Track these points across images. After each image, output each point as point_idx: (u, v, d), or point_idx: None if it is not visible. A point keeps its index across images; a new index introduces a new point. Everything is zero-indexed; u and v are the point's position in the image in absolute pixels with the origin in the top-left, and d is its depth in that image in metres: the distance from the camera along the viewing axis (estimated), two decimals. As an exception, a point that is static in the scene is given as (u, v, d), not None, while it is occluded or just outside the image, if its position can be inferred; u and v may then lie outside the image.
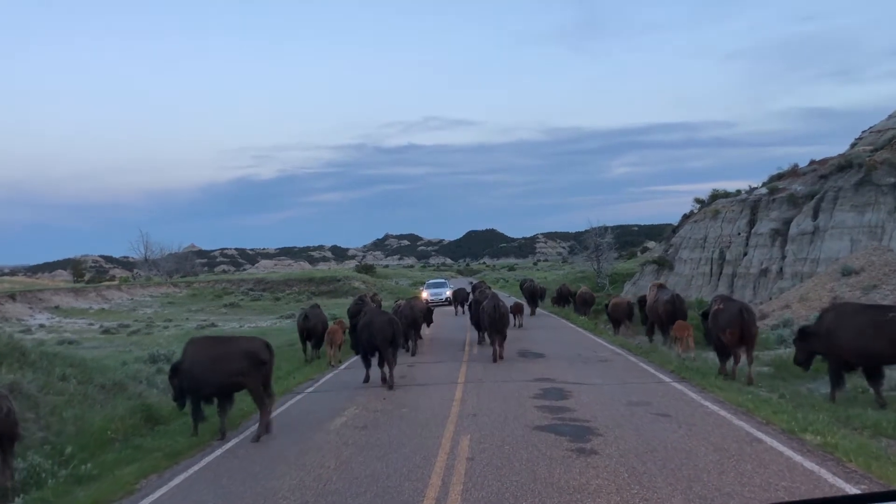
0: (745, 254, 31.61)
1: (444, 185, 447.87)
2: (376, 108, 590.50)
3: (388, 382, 13.85)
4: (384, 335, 13.92)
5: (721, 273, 32.38)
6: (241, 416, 12.09)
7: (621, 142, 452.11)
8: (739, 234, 32.75)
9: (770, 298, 25.82)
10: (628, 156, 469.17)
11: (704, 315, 15.02)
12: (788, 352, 15.65)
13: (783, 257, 28.96)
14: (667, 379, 13.41)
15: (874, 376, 10.82)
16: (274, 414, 12.07)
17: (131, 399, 13.51)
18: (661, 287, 20.17)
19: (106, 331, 38.67)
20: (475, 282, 34.99)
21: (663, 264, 37.69)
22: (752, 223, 32.45)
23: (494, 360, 16.88)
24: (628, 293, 39.11)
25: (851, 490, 6.60)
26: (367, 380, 14.53)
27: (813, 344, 11.60)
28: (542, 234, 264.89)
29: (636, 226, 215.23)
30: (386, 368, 14.03)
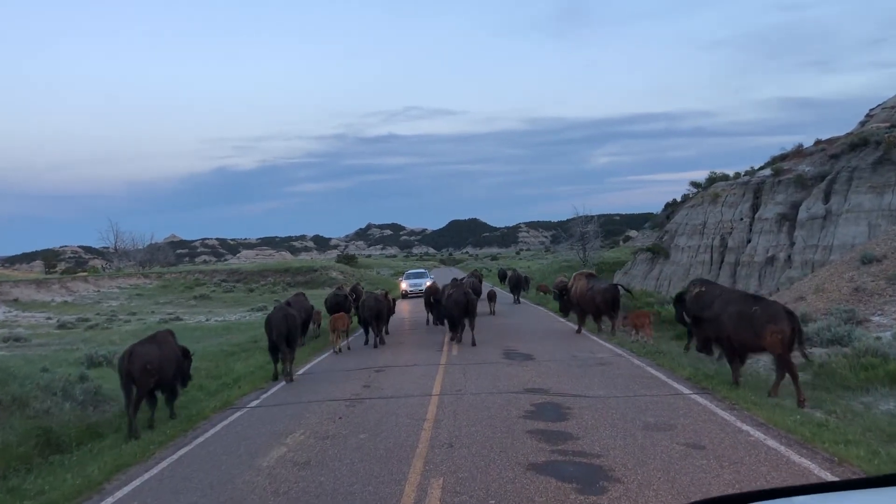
0: (749, 240, 29.16)
1: (427, 174, 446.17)
2: (357, 97, 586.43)
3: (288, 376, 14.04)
4: (279, 330, 14.04)
5: (722, 261, 29.95)
6: (160, 442, 9.66)
7: (603, 132, 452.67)
8: (742, 219, 30.29)
9: (778, 289, 23.57)
10: (610, 146, 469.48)
11: (678, 299, 13.83)
12: (819, 353, 13.42)
13: (791, 244, 26.62)
14: (684, 389, 11.08)
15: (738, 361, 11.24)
16: (200, 440, 9.68)
17: (33, 418, 11.01)
18: (590, 276, 20.16)
19: (62, 325, 35.91)
20: (465, 274, 34.53)
21: (658, 252, 35.28)
22: (755, 207, 29.99)
23: (467, 341, 17.77)
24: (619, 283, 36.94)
25: None
26: (275, 377, 14.34)
27: (706, 329, 11.69)
28: (524, 223, 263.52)
29: (618, 215, 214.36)
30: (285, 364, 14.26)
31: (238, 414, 11.21)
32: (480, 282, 31.83)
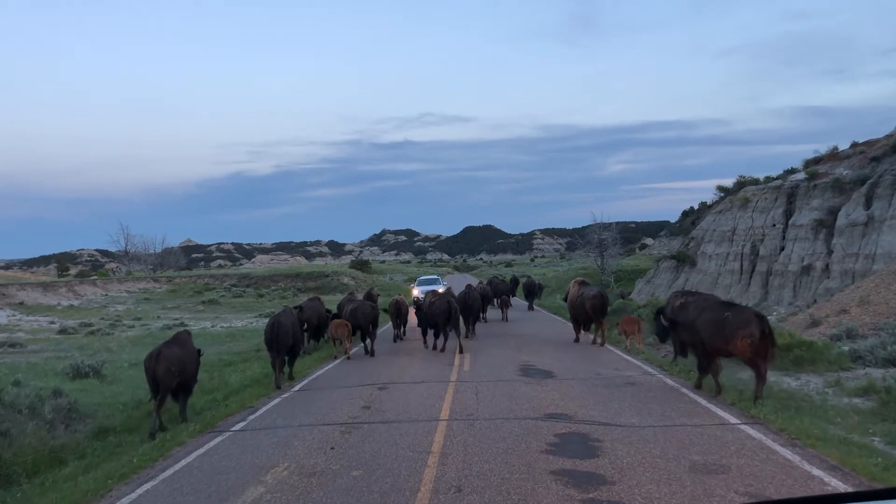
0: (782, 248, 27.35)
1: (441, 181, 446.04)
2: (371, 103, 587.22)
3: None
4: (267, 338, 14.35)
5: (753, 270, 28.14)
6: (121, 474, 8.30)
7: (616, 139, 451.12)
8: (774, 225, 28.48)
9: (815, 300, 21.92)
10: (623, 153, 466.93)
11: (659, 312, 13.40)
12: (878, 375, 11.89)
13: (829, 252, 24.83)
14: (731, 418, 9.57)
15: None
16: (167, 473, 8.29)
17: (-14, 442, 9.72)
18: (583, 283, 20.47)
19: (63, 330, 34.88)
20: (484, 281, 33.92)
21: (683, 260, 33.53)
22: (788, 213, 28.22)
23: (474, 348, 18.21)
24: (641, 292, 35.37)
25: None
26: (277, 385, 14.03)
27: (682, 335, 12.00)
28: (539, 230, 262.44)
29: (633, 223, 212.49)
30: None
31: (218, 440, 9.82)
32: (509, 288, 31.40)
